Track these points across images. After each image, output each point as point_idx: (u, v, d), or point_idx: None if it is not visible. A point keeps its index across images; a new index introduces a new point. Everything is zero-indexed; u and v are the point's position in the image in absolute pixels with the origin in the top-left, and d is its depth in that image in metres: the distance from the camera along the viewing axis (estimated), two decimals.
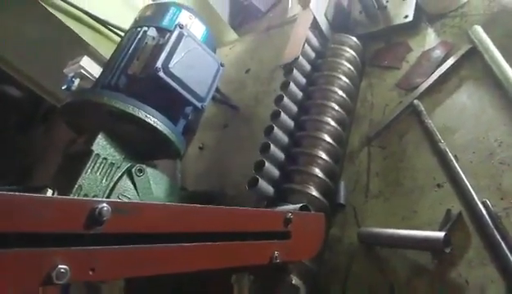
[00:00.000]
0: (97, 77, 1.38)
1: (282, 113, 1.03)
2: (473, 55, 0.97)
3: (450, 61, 1.00)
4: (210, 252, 0.53)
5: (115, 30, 1.74)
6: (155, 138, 1.02)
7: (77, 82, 1.83)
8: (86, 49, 1.77)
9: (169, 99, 1.04)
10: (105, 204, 0.40)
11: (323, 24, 1.18)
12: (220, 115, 1.52)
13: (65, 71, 1.82)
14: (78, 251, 0.38)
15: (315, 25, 1.16)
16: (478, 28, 0.98)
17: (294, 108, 1.10)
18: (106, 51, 1.74)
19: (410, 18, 1.14)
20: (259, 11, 3.56)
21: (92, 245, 0.39)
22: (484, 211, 0.76)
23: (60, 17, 1.59)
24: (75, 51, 1.77)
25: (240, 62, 1.68)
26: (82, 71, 1.85)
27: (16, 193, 0.34)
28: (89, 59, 1.83)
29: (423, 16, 1.15)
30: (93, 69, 1.88)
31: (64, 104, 1.03)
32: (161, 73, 0.99)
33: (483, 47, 0.95)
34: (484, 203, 0.77)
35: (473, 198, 0.79)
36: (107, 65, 1.14)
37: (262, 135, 1.02)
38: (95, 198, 0.41)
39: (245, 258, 0.60)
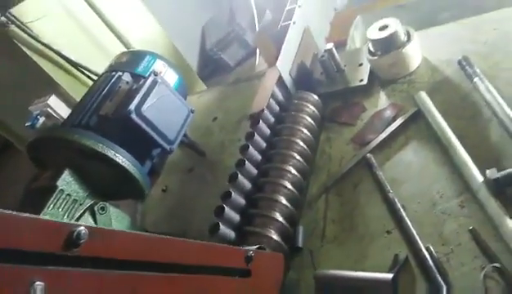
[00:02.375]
0: (65, 116, 1.40)
1: (246, 162, 1.09)
2: (418, 116, 1.09)
3: (398, 121, 1.11)
4: (175, 283, 0.56)
5: (87, 73, 1.78)
6: (122, 177, 1.04)
7: (42, 120, 1.83)
8: (55, 89, 1.79)
9: (138, 140, 1.08)
10: (82, 228, 0.43)
11: (288, 81, 1.28)
12: (186, 159, 1.56)
13: (30, 108, 1.82)
14: (55, 271, 0.40)
15: (280, 81, 1.27)
16: (423, 94, 1.11)
17: (258, 156, 1.16)
18: (75, 92, 1.78)
19: (365, 82, 1.28)
20: (228, 65, 3.74)
21: (68, 266, 0.41)
22: (428, 256, 0.84)
23: (33, 57, 1.62)
24: (43, 90, 1.79)
25: (208, 110, 1.75)
26: (48, 110, 1.86)
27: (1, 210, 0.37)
28: (57, 98, 1.85)
29: (376, 81, 1.28)
30: (60, 108, 1.89)
31: (32, 140, 1.04)
32: (133, 116, 1.03)
33: (427, 110, 1.07)
34: (428, 249, 0.85)
35: (418, 244, 0.86)
36: (78, 105, 1.17)
37: (226, 181, 1.07)
38: (73, 222, 0.43)
39: (208, 292, 0.63)
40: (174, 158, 1.50)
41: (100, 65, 1.71)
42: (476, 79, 1.05)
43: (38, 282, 0.39)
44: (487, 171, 0.87)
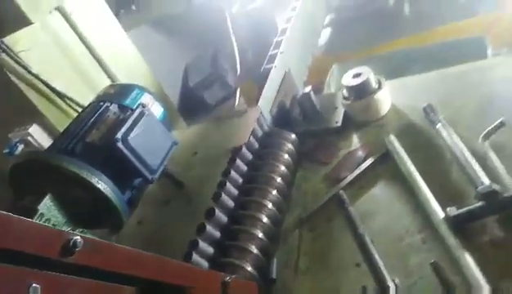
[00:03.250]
0: (45, 145, 1.42)
1: (223, 195, 1.13)
2: (387, 157, 1.18)
3: (369, 161, 1.20)
4: None
5: (72, 104, 1.81)
6: (102, 205, 1.07)
7: (20, 147, 1.83)
8: (38, 118, 1.81)
9: (122, 169, 1.11)
10: (78, 237, 0.46)
11: (268, 120, 1.36)
12: (163, 191, 1.58)
13: (10, 136, 1.83)
14: (50, 275, 0.43)
15: (261, 120, 1.35)
16: (392, 137, 1.21)
17: (236, 191, 1.21)
18: (58, 123, 1.80)
19: (339, 124, 1.37)
20: (208, 105, 3.84)
21: (63, 272, 0.44)
22: (394, 288, 0.89)
23: (20, 86, 1.65)
24: (27, 119, 1.80)
25: (189, 145, 1.80)
26: (28, 138, 1.87)
27: (7, 214, 0.40)
28: (38, 127, 1.87)
29: (350, 123, 1.38)
30: (41, 137, 1.91)
31: (15, 164, 1.07)
32: (119, 144, 1.08)
33: (395, 152, 1.16)
34: (394, 281, 0.90)
35: (385, 277, 0.92)
36: (65, 132, 1.21)
37: (203, 214, 1.11)
38: (71, 232, 0.46)
39: None
40: (151, 190, 1.52)
41: (84, 96, 1.75)
42: (439, 125, 1.15)
43: (34, 285, 0.42)
44: (448, 209, 0.94)
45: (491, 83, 1.25)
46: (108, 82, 1.87)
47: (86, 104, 1.32)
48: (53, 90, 1.73)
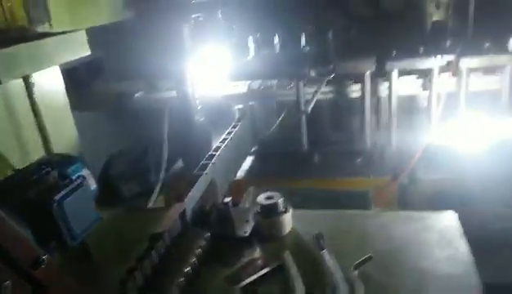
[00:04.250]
0: None
1: (130, 282, 1.24)
2: (282, 269, 1.41)
3: (266, 269, 1.41)
4: None
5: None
6: None
7: None
8: None
9: (46, 228, 1.19)
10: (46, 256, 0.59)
11: (189, 215, 1.55)
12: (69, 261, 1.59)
13: None
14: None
15: (182, 214, 1.53)
16: (287, 253, 1.45)
17: (141, 278, 1.32)
18: None
19: (247, 234, 1.59)
20: (124, 197, 3.86)
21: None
22: None
23: None
24: None
25: (103, 233, 1.86)
26: None
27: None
28: None
29: (256, 236, 1.61)
30: None
31: None
32: (55, 205, 1.18)
33: (288, 266, 1.39)
34: None
35: None
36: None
37: None
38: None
39: None
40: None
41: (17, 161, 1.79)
42: (324, 251, 1.43)
43: (8, 282, 0.54)
44: None
45: (368, 227, 1.60)
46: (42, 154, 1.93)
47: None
48: None
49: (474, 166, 2.18)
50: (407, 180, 2.21)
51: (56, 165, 1.39)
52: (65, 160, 1.45)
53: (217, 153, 1.99)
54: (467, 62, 2.20)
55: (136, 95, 3.23)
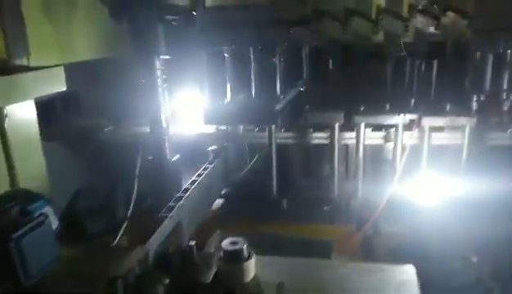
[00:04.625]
0: None
1: None
2: None
3: None
4: None
5: None
6: None
7: None
8: None
9: (3, 268, 1.17)
10: None
11: (151, 258, 1.54)
12: None
13: None
14: None
15: (145, 257, 1.52)
16: None
17: None
18: None
19: (209, 280, 1.59)
20: (89, 233, 3.76)
21: None
22: None
23: None
24: None
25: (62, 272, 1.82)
26: None
27: None
28: None
29: (218, 282, 1.60)
30: None
31: None
32: (12, 243, 1.16)
33: None
34: None
35: None
36: None
37: None
38: None
39: None
40: None
41: None
42: None
43: None
44: None
45: (328, 278, 1.63)
46: (7, 186, 1.90)
47: None
48: None
49: (434, 220, 2.27)
50: (371, 232, 2.27)
51: (19, 201, 1.38)
52: (29, 196, 1.43)
53: (186, 195, 2.00)
54: (429, 121, 2.34)
55: (107, 129, 3.23)
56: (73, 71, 2.39)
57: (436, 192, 2.43)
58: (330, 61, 2.62)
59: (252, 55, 2.69)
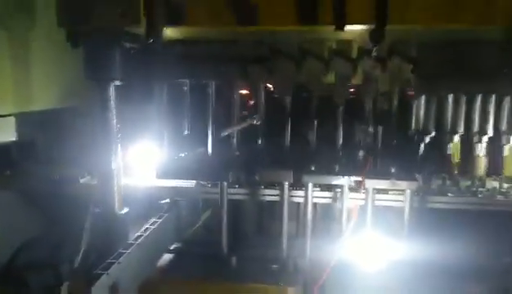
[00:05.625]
0: None
1: None
2: None
3: None
4: None
5: None
6: None
7: None
8: None
9: None
10: None
11: None
12: None
13: None
14: None
15: None
16: None
17: None
18: None
19: None
20: (30, 288, 3.53)
21: None
22: None
23: None
24: None
25: None
26: None
27: None
28: None
29: None
30: None
31: None
32: None
33: None
34: None
35: None
36: None
37: None
38: None
39: None
40: None
41: None
42: None
43: None
44: None
45: None
46: None
47: None
48: None
49: (378, 284, 2.31)
50: None
51: None
52: None
53: (127, 252, 1.95)
54: (372, 183, 2.45)
55: (58, 178, 3.16)
56: (30, 119, 2.37)
57: (380, 254, 2.48)
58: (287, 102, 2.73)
59: (210, 90, 2.76)
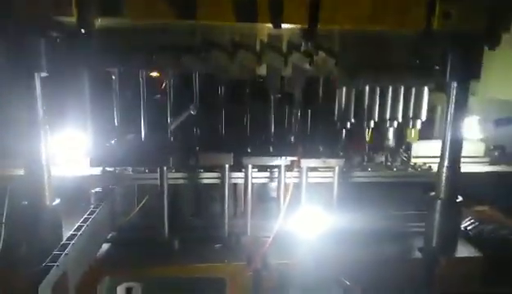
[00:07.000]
0: None
1: None
2: None
3: None
4: None
5: None
6: None
7: None
8: None
9: None
10: None
11: None
12: None
13: None
14: None
15: None
16: None
17: None
18: None
19: None
20: None
21: None
22: None
23: None
24: None
25: None
26: None
27: None
28: None
29: None
30: None
31: None
32: None
33: None
34: None
35: None
36: None
37: None
38: None
39: None
40: None
41: None
42: None
43: None
44: None
45: None
46: None
47: None
48: None
49: (312, 250, 2.56)
50: (260, 266, 2.42)
51: None
52: None
53: (72, 242, 1.89)
54: (306, 162, 2.65)
55: None
56: None
57: (314, 225, 2.71)
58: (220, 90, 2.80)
59: (142, 79, 2.71)
